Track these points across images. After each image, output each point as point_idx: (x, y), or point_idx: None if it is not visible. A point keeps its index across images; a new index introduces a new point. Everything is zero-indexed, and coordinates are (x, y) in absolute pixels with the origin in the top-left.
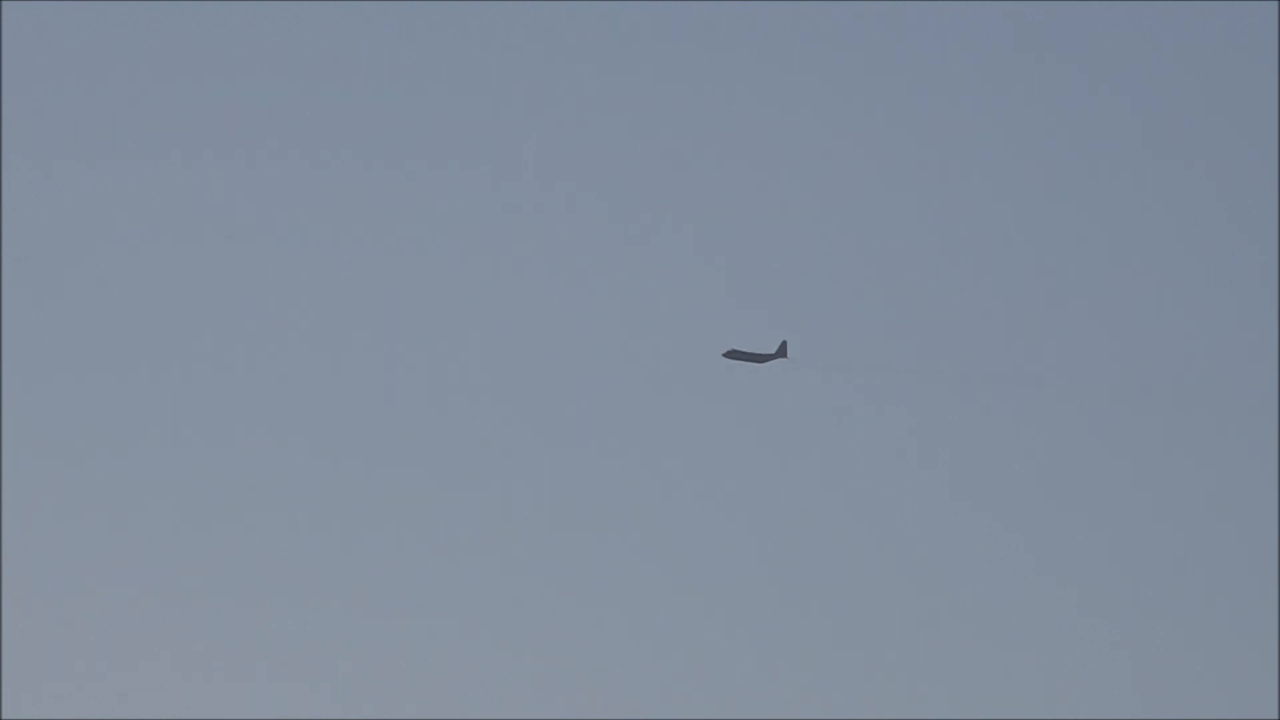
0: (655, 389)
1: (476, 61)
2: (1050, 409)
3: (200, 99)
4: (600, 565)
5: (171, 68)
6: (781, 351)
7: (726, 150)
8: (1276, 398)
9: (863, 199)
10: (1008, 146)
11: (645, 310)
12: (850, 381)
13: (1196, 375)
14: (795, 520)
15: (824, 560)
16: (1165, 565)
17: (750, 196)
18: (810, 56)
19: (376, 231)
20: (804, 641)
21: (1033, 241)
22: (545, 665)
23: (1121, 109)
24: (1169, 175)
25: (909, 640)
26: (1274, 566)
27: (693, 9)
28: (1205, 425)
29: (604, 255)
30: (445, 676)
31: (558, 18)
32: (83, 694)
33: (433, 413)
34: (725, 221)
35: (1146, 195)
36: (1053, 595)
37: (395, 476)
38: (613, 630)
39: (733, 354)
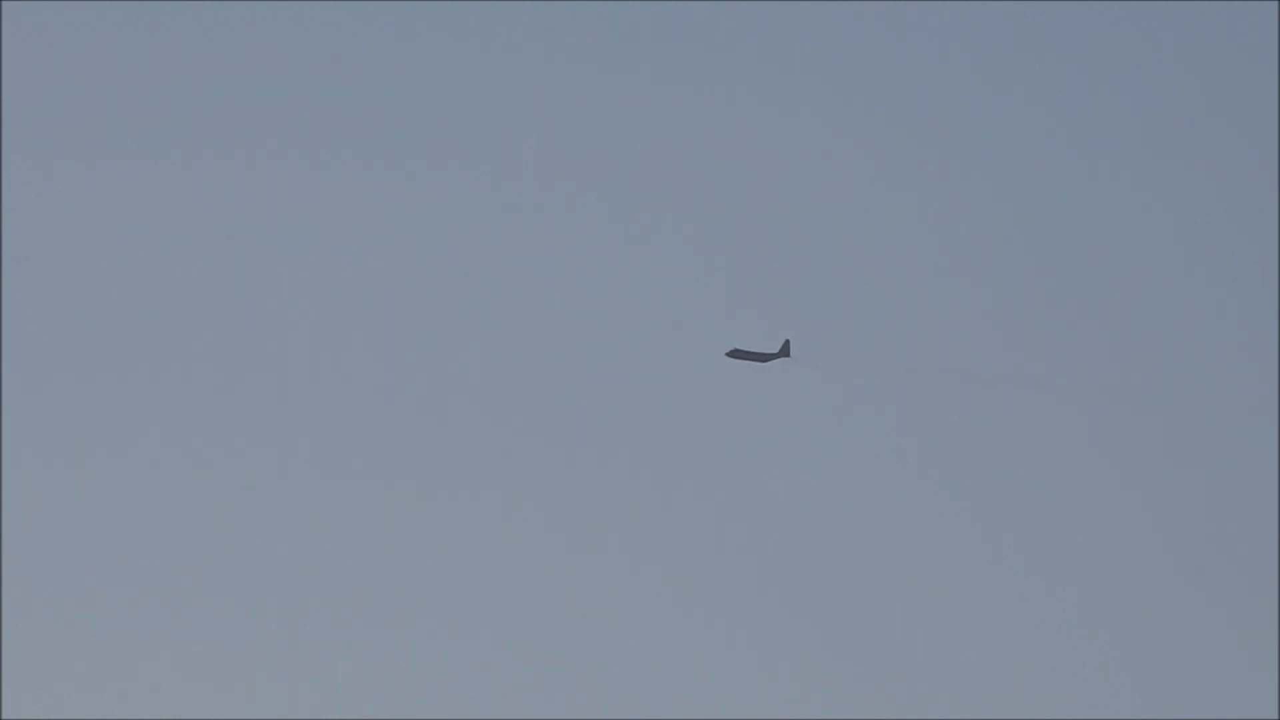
0: (658, 388)
1: (476, 62)
2: (1051, 409)
3: (200, 99)
4: (602, 565)
5: (172, 68)
6: (784, 351)
7: (728, 150)
8: (1277, 398)
9: (865, 199)
10: (1008, 146)
11: (648, 310)
12: (853, 381)
13: (1196, 375)
14: (798, 520)
15: (826, 560)
16: (1165, 565)
17: (752, 196)
18: (810, 56)
19: (377, 232)
20: (805, 642)
21: (1033, 241)
22: (546, 665)
23: (1121, 109)
24: (1169, 175)
25: (910, 640)
26: (1274, 566)
27: (693, 9)
28: (1205, 425)
29: (606, 255)
30: (445, 677)
31: (558, 18)
32: (83, 694)
33: (434, 413)
34: (727, 221)
35: (1146, 195)
36: (1053, 595)
37: (396, 477)
38: (614, 630)
39: (736, 353)
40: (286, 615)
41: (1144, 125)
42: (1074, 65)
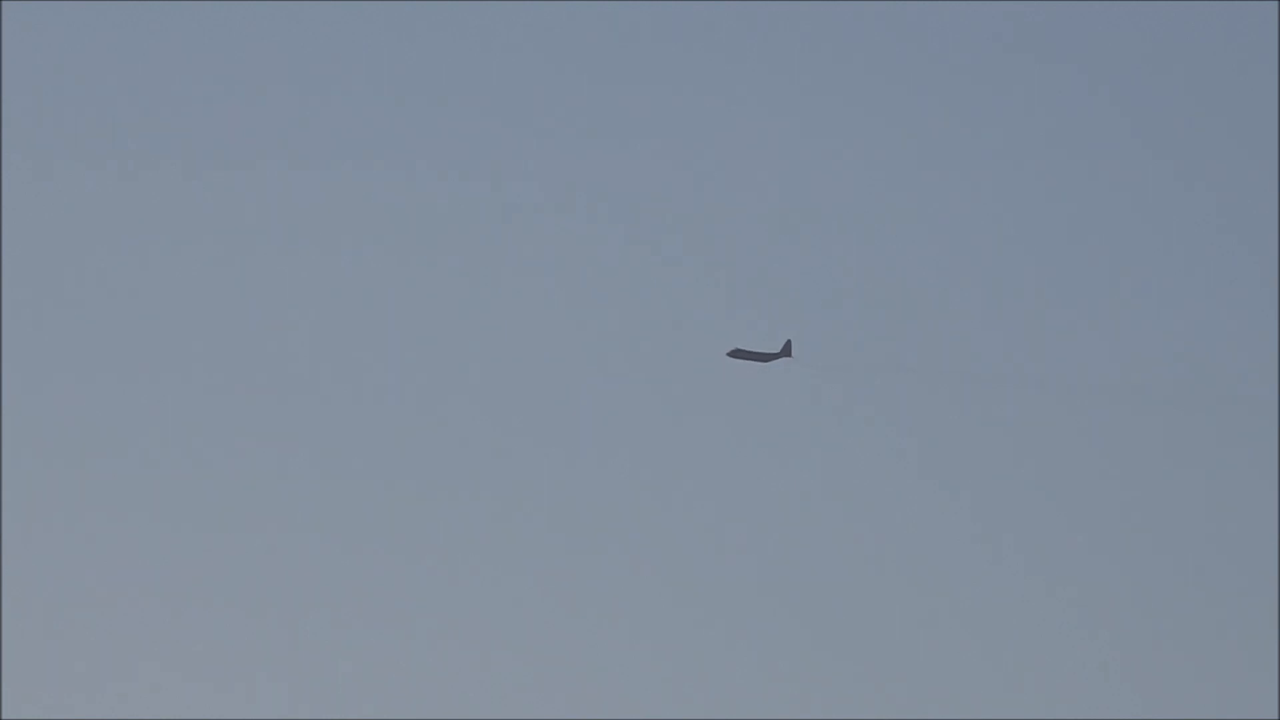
0: (659, 389)
1: (476, 62)
2: (1051, 409)
3: (201, 99)
4: (603, 566)
5: (172, 68)
6: (786, 351)
7: (728, 150)
8: (1277, 398)
9: (865, 199)
10: (1008, 147)
11: (649, 310)
12: (853, 381)
13: (1196, 375)
14: (798, 520)
15: (826, 560)
16: (1165, 565)
17: (752, 196)
18: (811, 57)
19: (377, 233)
20: (806, 642)
21: (1033, 241)
22: (546, 665)
23: (1122, 109)
24: (1169, 175)
25: (911, 641)
26: (1274, 567)
27: (693, 9)
28: (1205, 425)
29: (607, 255)
30: (445, 677)
31: (558, 18)
32: (83, 694)
33: (434, 413)
34: (728, 221)
35: (1146, 195)
36: (1053, 595)
37: (397, 478)
38: (615, 631)
39: (737, 353)
40: (286, 615)
41: (1144, 125)
42: (1074, 65)
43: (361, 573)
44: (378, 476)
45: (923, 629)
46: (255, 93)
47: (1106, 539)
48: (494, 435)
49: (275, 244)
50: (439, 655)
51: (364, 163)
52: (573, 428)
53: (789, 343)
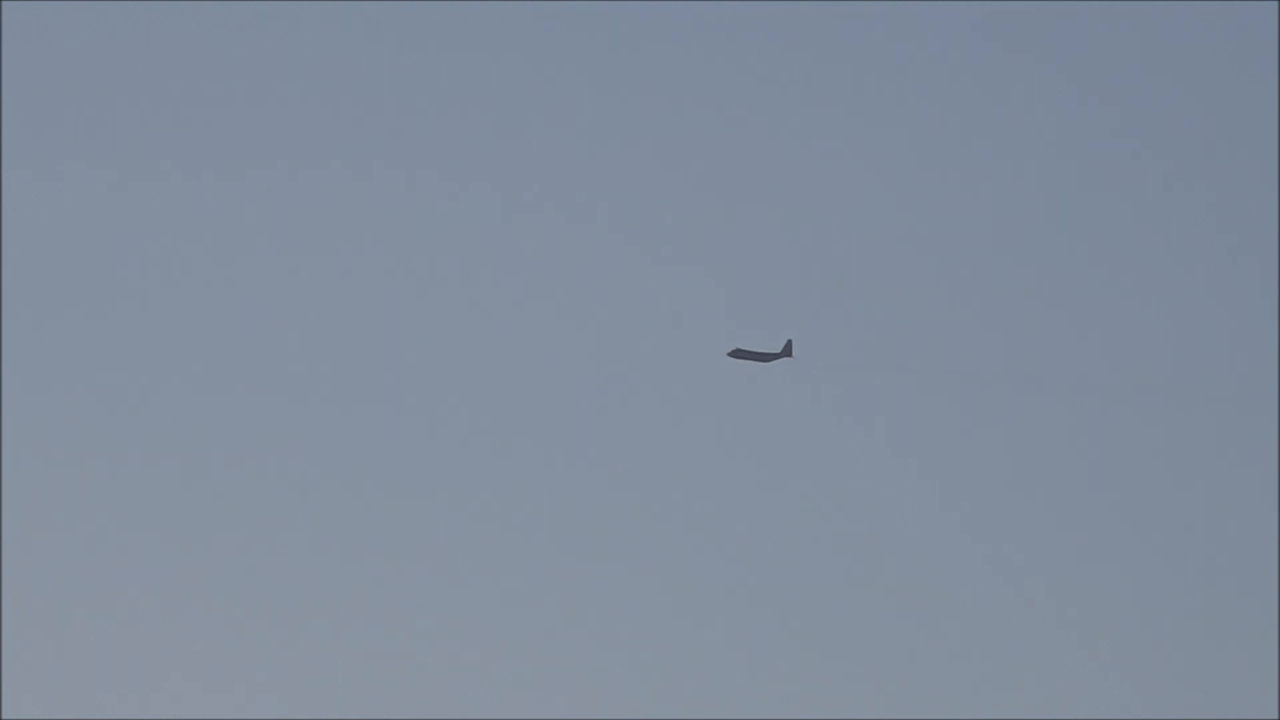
0: (659, 389)
1: (476, 62)
2: (1051, 409)
3: (201, 100)
4: (603, 566)
5: (172, 69)
6: (787, 351)
7: (728, 150)
8: (1277, 398)
9: (865, 199)
10: (1008, 146)
11: (649, 310)
12: (854, 381)
13: (1196, 375)
14: (800, 520)
15: (827, 560)
16: (1165, 565)
17: (754, 195)
18: (811, 56)
19: (377, 234)
20: (806, 642)
21: (1034, 242)
22: (546, 665)
23: (1121, 109)
24: (1169, 175)
25: (911, 641)
26: (1274, 566)
27: (693, 9)
28: (1205, 425)
29: (607, 255)
30: (445, 677)
31: (558, 18)
32: (83, 694)
33: (434, 413)
34: (729, 221)
35: (1146, 195)
36: (1053, 595)
37: (397, 479)
38: (615, 631)
39: (737, 353)
40: (286, 615)
41: (1144, 125)
42: (1073, 65)
43: (361, 573)
44: (378, 476)
45: (923, 629)
46: (255, 93)
47: (1106, 539)
48: (494, 435)
49: (275, 244)
50: (439, 655)
51: (364, 163)
52: (573, 428)
53: (789, 343)
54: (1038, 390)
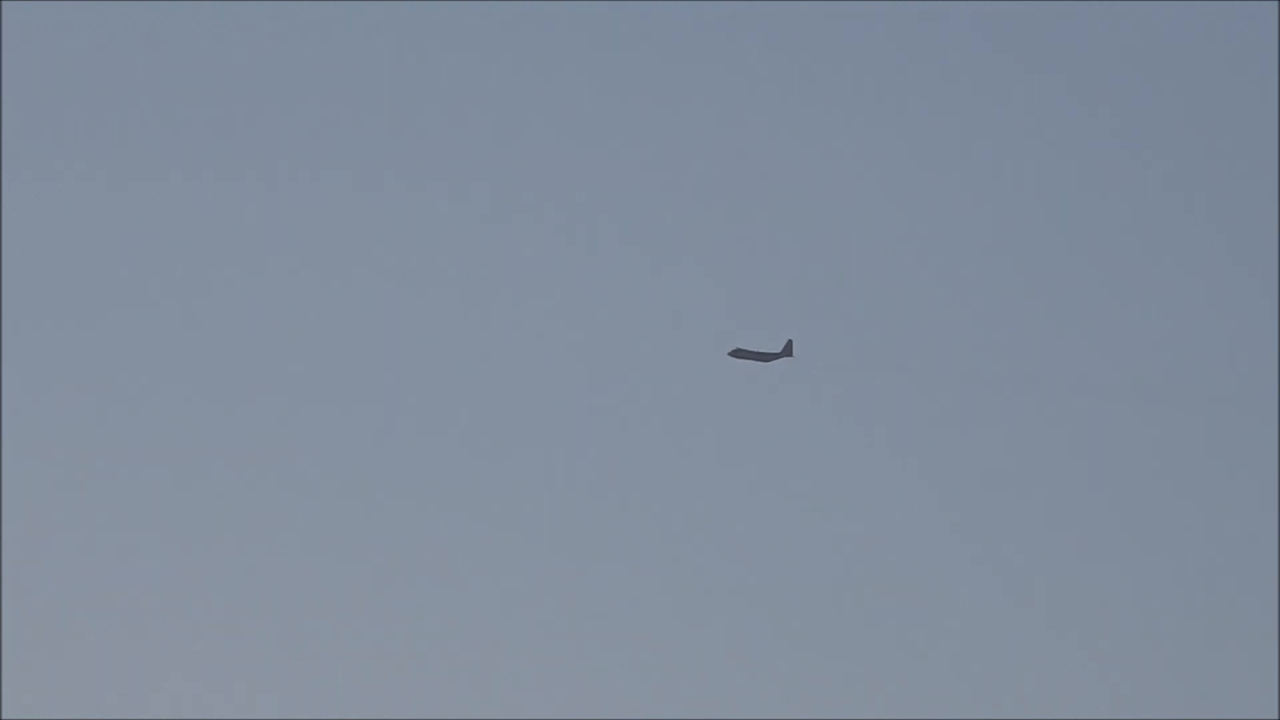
0: (659, 388)
1: (476, 63)
2: (1051, 409)
3: (202, 100)
4: (603, 566)
5: (172, 69)
6: (787, 351)
7: (728, 150)
8: (1277, 398)
9: (867, 198)
10: (1008, 146)
11: (649, 309)
12: (854, 381)
13: (1196, 375)
14: (800, 519)
15: (827, 560)
16: (1165, 565)
17: (754, 196)
18: (811, 56)
19: (378, 234)
20: (806, 642)
21: (1033, 241)
22: (546, 665)
23: (1121, 109)
24: (1169, 175)
25: (912, 641)
26: (1274, 566)
27: (693, 9)
28: (1205, 425)
29: (607, 255)
30: (445, 677)
31: (558, 19)
32: (83, 694)
33: (434, 413)
34: (729, 221)
35: (1146, 195)
36: (1053, 595)
37: (398, 479)
38: (616, 631)
39: (738, 353)
40: (286, 616)
41: (1144, 125)
42: (1073, 65)
43: (362, 574)
44: (378, 477)
45: (923, 629)
46: (256, 93)
47: (1106, 539)
48: (494, 435)
49: (275, 245)
50: (439, 655)
51: (364, 164)
52: (573, 428)
53: (790, 342)
54: (1038, 390)
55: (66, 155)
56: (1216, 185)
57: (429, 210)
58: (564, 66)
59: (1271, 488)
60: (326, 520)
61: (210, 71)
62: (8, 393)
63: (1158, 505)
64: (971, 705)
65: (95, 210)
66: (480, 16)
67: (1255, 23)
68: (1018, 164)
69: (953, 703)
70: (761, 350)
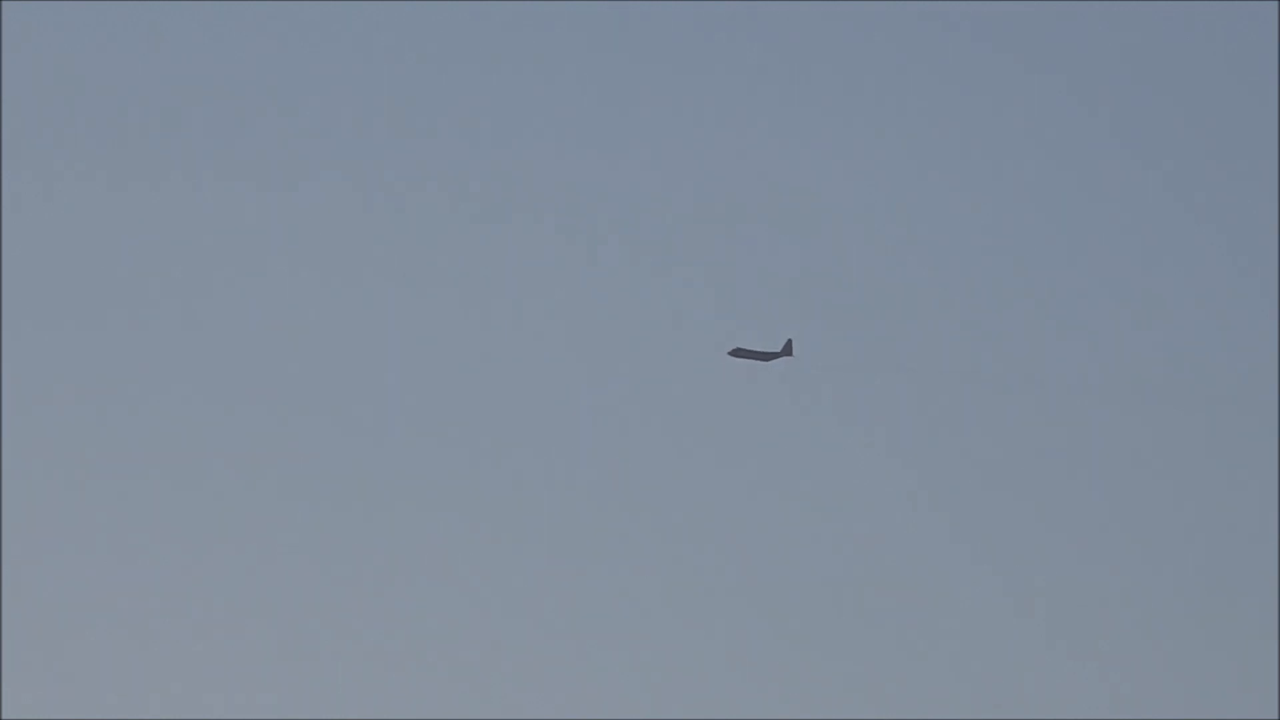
0: (659, 388)
1: (475, 63)
2: (1051, 409)
3: (201, 100)
4: (603, 566)
5: (172, 69)
6: (787, 350)
7: (729, 150)
8: (1277, 398)
9: (867, 198)
10: (1008, 146)
11: (649, 309)
12: (854, 381)
13: (1196, 375)
14: (800, 519)
15: (828, 560)
16: (1165, 565)
17: (753, 196)
18: (812, 56)
19: (378, 235)
20: (807, 642)
21: (1033, 241)
22: (545, 665)
23: (1121, 109)
24: (1169, 175)
25: (912, 641)
26: (1274, 566)
27: (692, 9)
28: (1205, 425)
29: (608, 255)
30: (445, 677)
31: (558, 19)
32: (83, 694)
33: (434, 413)
34: (729, 221)
35: (1146, 195)
36: (1053, 595)
37: (398, 480)
38: (616, 631)
39: (738, 352)
40: (287, 616)
41: (1144, 125)
42: (1073, 66)
43: (361, 574)
44: (378, 478)
45: (923, 629)
46: (256, 93)
47: (1106, 539)
48: (494, 435)
49: (275, 245)
50: (439, 655)
51: (364, 164)
52: (573, 428)
53: (790, 342)
54: (1037, 390)
55: (66, 155)
56: (1216, 185)
57: (429, 210)
58: (564, 67)
59: (1271, 488)
60: (326, 520)
61: (210, 71)
62: (8, 393)
63: (1157, 505)
64: (971, 705)
65: (95, 210)
66: (480, 17)
67: (1255, 23)
68: (1017, 164)
69: (952, 703)
70: (762, 350)
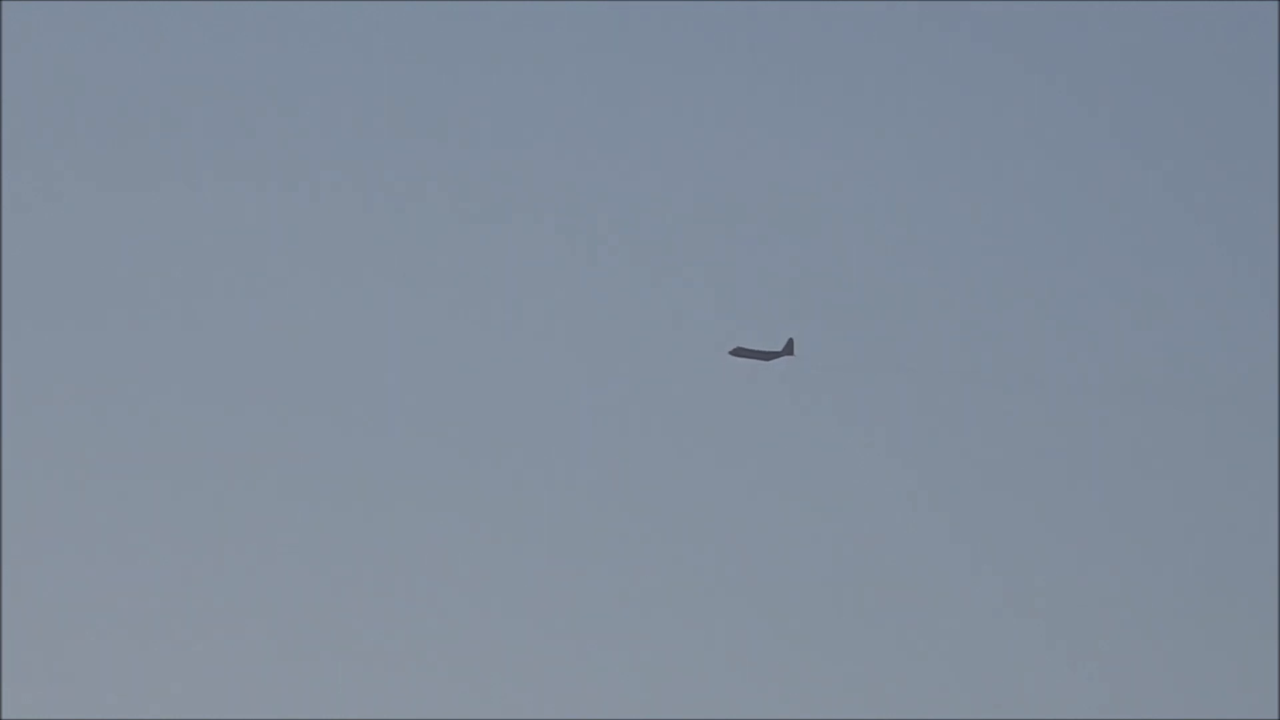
0: (660, 388)
1: (475, 63)
2: (1051, 409)
3: (201, 100)
4: (603, 566)
5: (172, 69)
6: (788, 349)
7: (729, 150)
8: (1277, 398)
9: (867, 198)
10: (1008, 146)
11: (650, 310)
12: (855, 380)
13: (1196, 375)
14: (800, 519)
15: (828, 560)
16: (1165, 565)
17: (754, 196)
18: (812, 56)
19: (378, 235)
20: (806, 642)
21: (1034, 241)
22: (545, 665)
23: (1121, 109)
24: (1169, 175)
25: (912, 641)
26: (1274, 566)
27: (692, 9)
28: (1205, 425)
29: (608, 255)
30: (445, 677)
31: (558, 19)
32: (83, 694)
33: (434, 413)
34: (729, 221)
35: (1146, 195)
36: (1054, 595)
37: (398, 481)
38: (616, 631)
39: (739, 352)
40: (287, 616)
41: (1144, 125)
42: (1073, 66)
43: (361, 574)
44: (378, 478)
45: (922, 629)
46: (256, 94)
47: (1106, 539)
48: (494, 435)
49: (274, 246)
50: (439, 655)
51: (364, 165)
52: (573, 427)
53: (790, 341)
54: (1037, 390)
55: (66, 155)
56: (1216, 185)
57: (429, 210)
58: (564, 68)
59: (1271, 488)
60: (326, 521)
61: (210, 72)
62: (8, 393)
63: (1157, 505)
64: (971, 705)
65: (95, 210)
66: (480, 17)
67: (1255, 23)
68: (1017, 164)
69: (952, 703)
70: (762, 349)
